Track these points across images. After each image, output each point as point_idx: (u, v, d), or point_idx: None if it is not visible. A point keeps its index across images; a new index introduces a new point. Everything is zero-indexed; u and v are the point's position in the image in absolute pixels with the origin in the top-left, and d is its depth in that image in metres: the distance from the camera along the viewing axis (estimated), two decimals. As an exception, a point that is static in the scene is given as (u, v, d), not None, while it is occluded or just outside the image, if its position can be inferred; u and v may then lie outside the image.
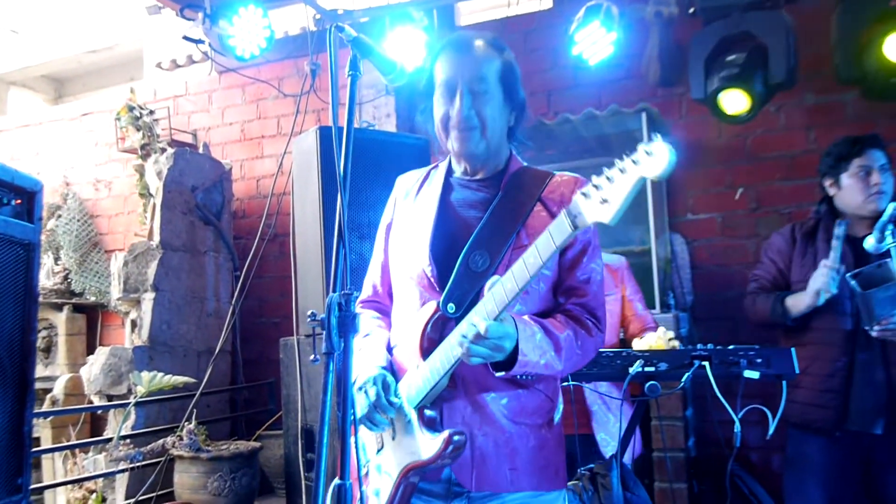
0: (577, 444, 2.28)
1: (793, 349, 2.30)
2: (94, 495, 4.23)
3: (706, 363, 2.25)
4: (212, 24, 3.53)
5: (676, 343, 2.65)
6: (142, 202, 5.10)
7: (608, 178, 1.35)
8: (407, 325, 1.76)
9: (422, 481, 1.68)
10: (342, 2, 4.76)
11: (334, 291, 1.40)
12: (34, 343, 2.23)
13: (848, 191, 2.80)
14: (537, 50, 4.54)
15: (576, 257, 1.73)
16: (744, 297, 3.03)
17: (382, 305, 1.95)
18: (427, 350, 1.67)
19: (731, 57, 3.58)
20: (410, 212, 1.87)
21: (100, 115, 5.90)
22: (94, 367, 4.34)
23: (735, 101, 3.61)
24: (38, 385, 4.24)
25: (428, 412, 1.67)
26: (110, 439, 3.87)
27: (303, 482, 3.45)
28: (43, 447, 4.65)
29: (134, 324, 4.57)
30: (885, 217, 2.38)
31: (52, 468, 4.96)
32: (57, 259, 5.62)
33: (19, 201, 2.14)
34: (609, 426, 2.46)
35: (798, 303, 2.75)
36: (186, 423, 3.84)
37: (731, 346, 2.31)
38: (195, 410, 4.03)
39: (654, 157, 1.28)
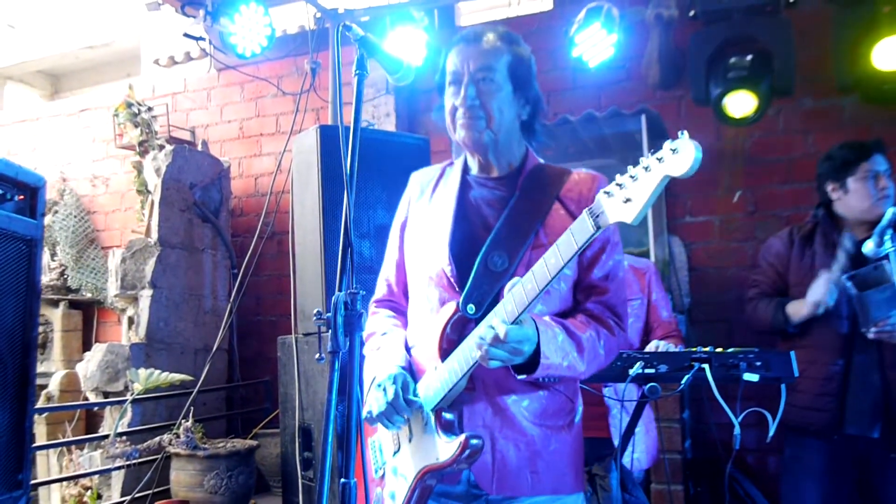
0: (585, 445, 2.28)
1: (792, 352, 2.31)
2: (89, 492, 4.22)
3: (706, 366, 2.26)
4: (213, 22, 3.52)
5: None
6: (139, 199, 5.09)
7: (632, 177, 1.31)
8: (426, 326, 1.74)
9: (440, 484, 1.66)
10: (343, 1, 4.76)
11: (340, 290, 1.41)
12: (35, 339, 2.23)
13: (855, 195, 2.80)
14: (537, 51, 4.46)
15: (595, 255, 1.70)
16: (744, 302, 3.04)
17: (398, 305, 1.93)
18: (446, 351, 1.64)
19: (735, 59, 3.59)
20: (427, 210, 1.84)
21: (97, 111, 5.89)
22: (90, 364, 4.33)
23: (741, 104, 3.62)
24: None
25: (446, 415, 1.65)
26: (106, 436, 3.87)
27: (300, 481, 3.45)
28: (38, 444, 4.64)
29: (131, 321, 4.56)
30: (884, 222, 2.40)
31: (47, 465, 4.95)
32: (53, 255, 5.60)
33: (22, 197, 2.14)
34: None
35: (798, 310, 2.77)
36: (183, 421, 3.84)
37: (730, 349, 2.32)
38: (192, 408, 4.02)
39: (681, 155, 1.24)
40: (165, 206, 4.61)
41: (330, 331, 1.38)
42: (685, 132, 1.27)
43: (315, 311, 1.42)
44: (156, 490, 3.86)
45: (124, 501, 3.91)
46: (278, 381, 3.64)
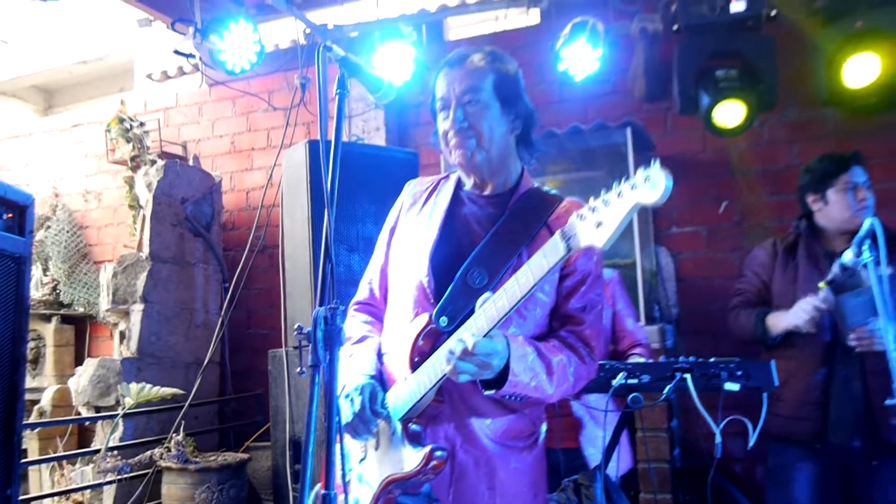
0: (560, 456, 2.31)
1: (772, 362, 2.34)
2: (81, 507, 4.23)
3: (688, 375, 2.29)
4: (202, 39, 3.56)
5: None
6: (131, 214, 5.12)
7: (605, 201, 1.34)
8: (399, 334, 1.76)
9: (402, 495, 1.69)
10: (332, 16, 4.81)
11: (321, 305, 1.44)
12: (24, 354, 2.25)
13: (835, 206, 2.84)
14: (524, 65, 4.48)
15: (575, 285, 1.72)
16: (728, 311, 3.08)
17: (376, 309, 1.95)
18: (417, 362, 1.67)
19: (722, 72, 3.65)
20: (416, 220, 1.87)
21: (90, 126, 5.93)
22: (82, 379, 4.34)
23: (731, 114, 3.68)
24: (25, 396, 4.23)
25: (413, 426, 1.67)
26: (98, 451, 3.87)
27: (290, 493, 3.47)
28: (30, 459, 4.64)
29: (123, 335, 4.57)
30: (861, 232, 2.44)
31: (39, 480, 4.94)
32: (46, 270, 5.61)
33: (10, 215, 2.17)
34: (598, 442, 2.49)
35: (778, 323, 2.81)
36: (174, 435, 3.85)
37: (712, 359, 2.36)
38: (183, 422, 4.03)
39: (653, 183, 1.28)
40: (157, 221, 4.64)
41: (311, 345, 1.41)
42: (657, 161, 1.30)
43: (296, 326, 1.45)
44: (147, 504, 3.87)
45: (116, 516, 3.92)
46: (269, 394, 3.66)
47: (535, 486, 1.75)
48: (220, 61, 3.63)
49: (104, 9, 6.05)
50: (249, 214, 5.23)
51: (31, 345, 5.44)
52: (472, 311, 1.59)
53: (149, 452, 3.81)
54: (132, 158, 5.12)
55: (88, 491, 4.13)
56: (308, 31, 4.52)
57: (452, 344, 1.54)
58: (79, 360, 5.32)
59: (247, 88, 5.21)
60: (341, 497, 1.77)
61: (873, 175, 2.93)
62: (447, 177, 1.93)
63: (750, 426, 2.31)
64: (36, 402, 5.09)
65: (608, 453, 2.41)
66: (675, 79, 3.79)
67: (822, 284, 2.66)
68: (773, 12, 3.62)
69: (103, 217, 5.84)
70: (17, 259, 2.20)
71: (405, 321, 1.76)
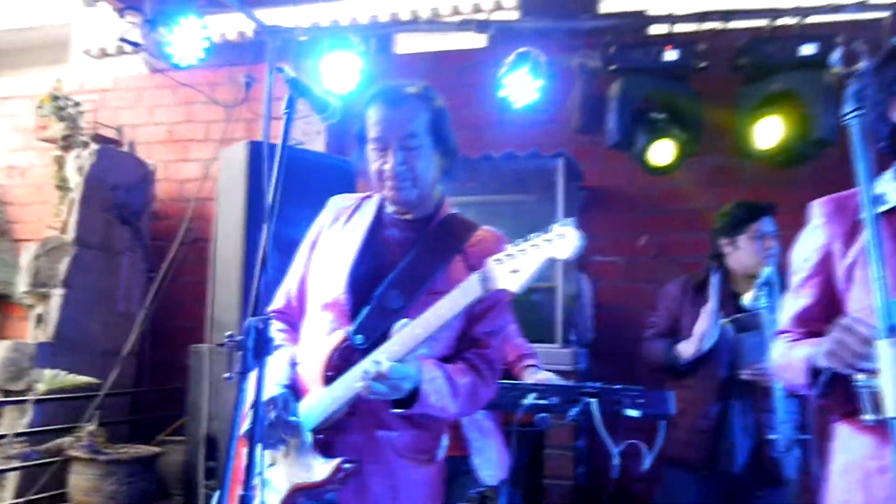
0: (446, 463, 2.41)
1: (671, 392, 2.52)
2: (-20, 492, 4.11)
3: (594, 400, 2.45)
4: (151, 30, 3.55)
5: None
6: (58, 194, 4.99)
7: (521, 251, 1.49)
8: (314, 347, 1.83)
9: (307, 501, 1.75)
10: (282, 17, 4.83)
11: (253, 316, 1.51)
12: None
13: (744, 252, 3.05)
14: (468, 86, 4.71)
15: (484, 311, 1.82)
16: (641, 341, 3.28)
17: (292, 318, 1.99)
18: (330, 377, 1.74)
19: (655, 114, 3.89)
20: (337, 237, 1.93)
21: (21, 100, 5.73)
22: (-8, 360, 4.23)
23: (663, 153, 3.93)
24: (-71, 374, 4.10)
25: (323, 436, 1.74)
26: (3, 436, 3.79)
27: (202, 489, 3.48)
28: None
29: (39, 318, 4.47)
30: (760, 280, 2.66)
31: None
32: (-40, 244, 5.41)
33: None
34: (488, 452, 2.61)
35: (687, 348, 3.01)
36: (87, 425, 3.80)
37: (617, 386, 2.52)
38: (97, 412, 3.98)
39: (566, 241, 1.44)
40: (86, 206, 4.55)
41: (240, 352, 1.48)
42: (572, 219, 1.47)
43: (227, 334, 1.52)
44: (51, 493, 3.80)
45: None
46: (188, 389, 3.65)
47: (436, 497, 1.86)
48: (167, 54, 3.63)
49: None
50: (182, 206, 5.17)
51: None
52: (386, 331, 1.68)
53: (58, 441, 3.74)
54: (64, 138, 4.98)
55: (-11, 476, 4.02)
56: (257, 29, 4.53)
57: (367, 365, 1.62)
58: (-11, 340, 5.15)
59: (189, 79, 5.15)
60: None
61: (783, 223, 3.12)
62: (370, 196, 2.00)
63: (645, 449, 2.49)
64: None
65: (514, 474, 2.54)
66: (612, 115, 3.99)
67: (725, 322, 2.89)
68: (703, 64, 3.86)
69: (27, 195, 5.65)
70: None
71: (321, 335, 1.82)
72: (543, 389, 2.48)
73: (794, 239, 1.74)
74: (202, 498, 3.47)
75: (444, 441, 1.91)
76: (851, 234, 1.57)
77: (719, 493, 2.97)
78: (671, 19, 4.04)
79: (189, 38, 3.74)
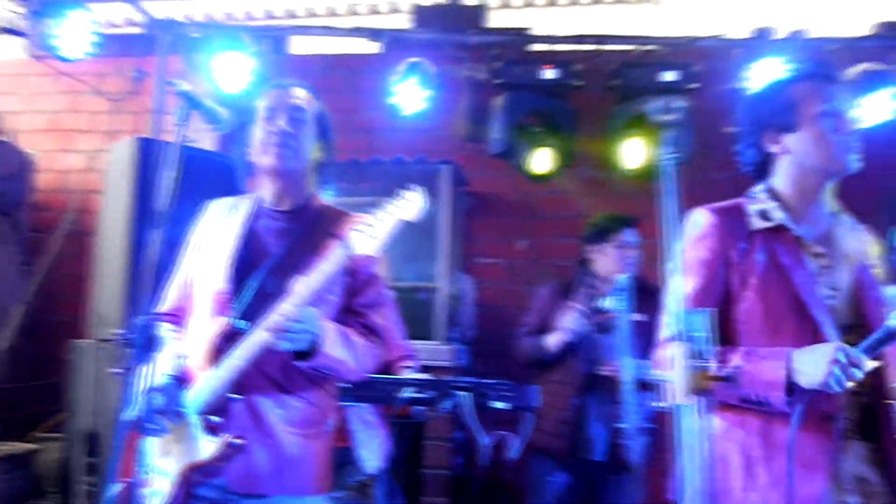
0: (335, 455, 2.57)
1: (536, 386, 2.79)
2: None
3: (465, 394, 2.67)
4: (37, 20, 3.47)
5: None
6: (-73, 181, 4.75)
7: (377, 219, 1.73)
8: (199, 338, 1.95)
9: (199, 487, 1.87)
10: (173, 8, 4.78)
11: (142, 314, 1.62)
12: None
13: (608, 259, 3.39)
14: (361, 90, 4.83)
15: (360, 286, 2.04)
16: (517, 338, 3.54)
17: (176, 318, 2.11)
18: (215, 360, 1.87)
19: (534, 127, 4.17)
20: (215, 234, 2.08)
21: None
22: None
23: (542, 162, 4.23)
24: None
25: (210, 417, 1.86)
26: None
27: (80, 486, 3.44)
28: None
29: None
30: (616, 286, 2.97)
31: None
32: None
33: None
34: (371, 444, 2.78)
35: (553, 340, 3.29)
36: (-44, 421, 3.68)
37: (487, 381, 2.75)
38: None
39: (412, 204, 1.70)
40: (-41, 195, 4.36)
41: (127, 349, 1.59)
42: (418, 186, 1.73)
43: (115, 331, 1.61)
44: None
45: None
46: (67, 384, 3.60)
47: (320, 472, 1.99)
48: (54, 47, 3.55)
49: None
50: (63, 197, 5.03)
51: None
52: (267, 314, 1.81)
53: (-76, 438, 3.61)
54: (-65, 123, 4.75)
55: None
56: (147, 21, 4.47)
57: (274, 317, 1.78)
58: None
59: (74, 69, 4.98)
60: (143, 491, 1.92)
61: (645, 232, 3.45)
62: (246, 196, 2.17)
63: (512, 439, 2.74)
64: None
65: (394, 465, 2.73)
66: (496, 126, 4.24)
67: (587, 323, 3.20)
68: (580, 83, 4.17)
69: None
70: None
71: (205, 325, 1.95)
72: (419, 384, 2.68)
73: (656, 247, 1.90)
74: (81, 495, 3.44)
75: (332, 419, 2.06)
76: (746, 241, 1.82)
77: (580, 479, 3.28)
78: (551, 39, 4.34)
79: (77, 30, 3.66)
